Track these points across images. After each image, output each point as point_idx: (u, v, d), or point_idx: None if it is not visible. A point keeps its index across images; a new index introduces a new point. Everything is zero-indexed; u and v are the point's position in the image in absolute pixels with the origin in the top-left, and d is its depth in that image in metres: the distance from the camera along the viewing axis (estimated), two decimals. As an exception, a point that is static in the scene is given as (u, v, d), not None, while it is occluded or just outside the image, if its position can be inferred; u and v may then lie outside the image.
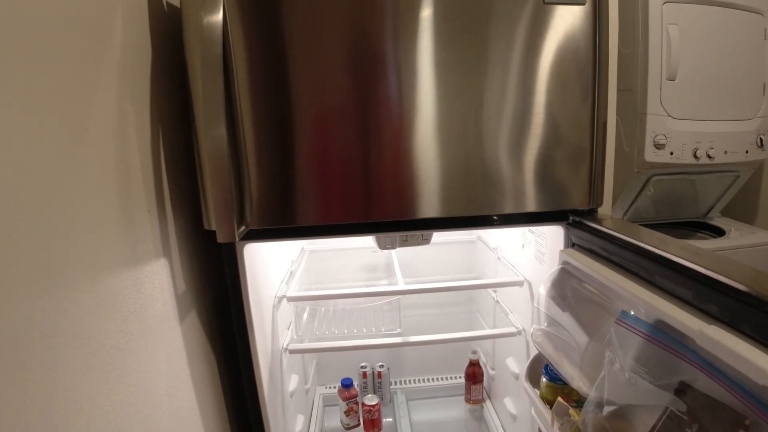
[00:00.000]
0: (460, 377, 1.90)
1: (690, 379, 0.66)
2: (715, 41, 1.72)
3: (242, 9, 0.88)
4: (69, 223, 0.65)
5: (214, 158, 0.83)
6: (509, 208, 1.03)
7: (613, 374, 0.77)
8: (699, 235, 2.05)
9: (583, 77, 0.98)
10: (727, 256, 0.72)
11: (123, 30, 0.82)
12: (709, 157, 1.76)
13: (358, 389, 1.71)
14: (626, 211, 1.96)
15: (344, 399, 1.65)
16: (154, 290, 0.89)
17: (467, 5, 0.92)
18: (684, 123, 1.72)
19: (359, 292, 1.42)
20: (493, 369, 1.80)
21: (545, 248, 1.24)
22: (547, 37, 0.96)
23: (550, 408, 1.03)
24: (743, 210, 2.18)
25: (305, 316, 1.64)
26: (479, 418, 1.80)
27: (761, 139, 1.84)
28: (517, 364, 1.50)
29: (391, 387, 1.88)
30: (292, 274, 1.56)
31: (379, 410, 1.64)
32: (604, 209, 1.08)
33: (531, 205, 1.03)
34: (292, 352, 1.40)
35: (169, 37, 1.00)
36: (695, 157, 1.75)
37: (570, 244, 1.09)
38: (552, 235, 1.17)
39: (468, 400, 1.81)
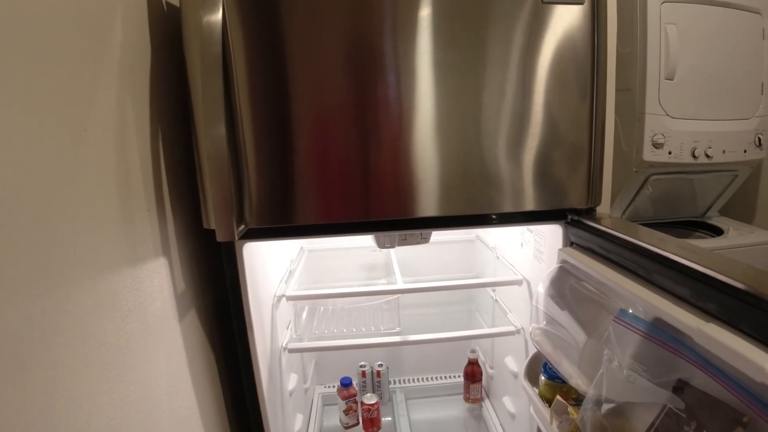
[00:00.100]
0: (459, 376, 1.90)
1: (688, 377, 0.67)
2: (713, 41, 1.72)
3: (241, 9, 0.88)
4: (69, 222, 0.65)
5: (213, 157, 0.83)
6: (508, 207, 1.03)
7: (612, 372, 0.77)
8: (697, 234, 2.05)
9: (581, 77, 0.99)
10: (726, 255, 0.72)
11: (123, 30, 0.82)
12: (707, 156, 1.76)
13: (357, 388, 1.71)
14: (625, 211, 1.96)
15: (343, 398, 1.65)
16: (154, 289, 0.89)
17: (466, 5, 0.93)
18: (682, 122, 1.72)
19: (358, 291, 1.42)
20: (491, 368, 1.81)
21: (544, 247, 1.24)
22: (545, 37, 0.96)
23: (549, 406, 1.03)
24: (741, 209, 2.19)
25: (304, 315, 1.64)
26: (478, 417, 1.81)
27: (759, 139, 1.84)
28: (515, 363, 1.50)
29: (390, 386, 1.88)
30: (291, 273, 1.56)
31: (378, 409, 1.64)
32: (603, 208, 1.09)
33: (530, 204, 1.03)
34: (291, 351, 1.40)
35: (168, 37, 1.00)
36: (693, 156, 1.75)
37: (568, 243, 1.09)
38: (550, 234, 1.18)
39: (467, 399, 1.81)
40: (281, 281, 1.47)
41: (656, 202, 1.99)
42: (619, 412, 0.76)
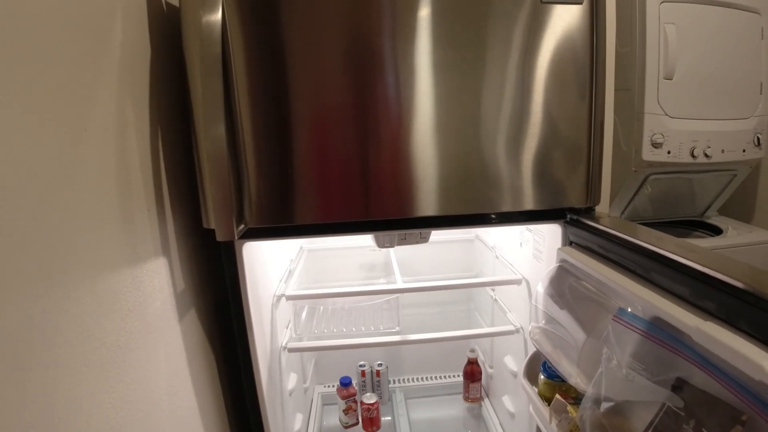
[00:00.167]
0: (458, 376, 1.90)
1: (687, 376, 0.67)
2: (712, 40, 1.72)
3: (241, 9, 0.89)
4: (69, 222, 0.65)
5: (213, 157, 0.83)
6: (507, 207, 1.03)
7: (611, 371, 0.77)
8: (696, 233, 2.05)
9: (580, 76, 0.99)
10: (725, 254, 0.72)
11: (122, 30, 0.82)
12: (706, 156, 1.77)
13: (356, 388, 1.71)
14: (624, 210, 1.96)
15: (343, 397, 1.66)
16: (154, 289, 0.89)
17: (465, 5, 0.93)
18: (681, 122, 1.72)
19: (358, 291, 1.42)
20: (491, 367, 1.81)
21: (543, 246, 1.24)
22: (544, 37, 0.96)
23: (548, 405, 1.03)
24: (740, 209, 2.19)
25: (304, 314, 1.65)
26: (477, 417, 1.81)
27: (758, 138, 1.84)
28: (515, 362, 1.51)
29: (389, 385, 1.89)
30: (290, 272, 1.56)
31: (377, 409, 1.64)
32: (602, 208, 1.09)
33: (529, 204, 1.04)
34: (291, 350, 1.41)
35: (168, 37, 1.01)
36: (692, 156, 1.75)
37: (567, 242, 1.09)
38: (550, 233, 1.18)
39: (466, 399, 1.82)
40: (281, 281, 1.47)
41: (655, 202, 1.99)
42: (619, 410, 0.76)
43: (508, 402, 1.58)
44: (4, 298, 0.52)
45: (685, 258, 0.72)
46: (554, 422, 0.99)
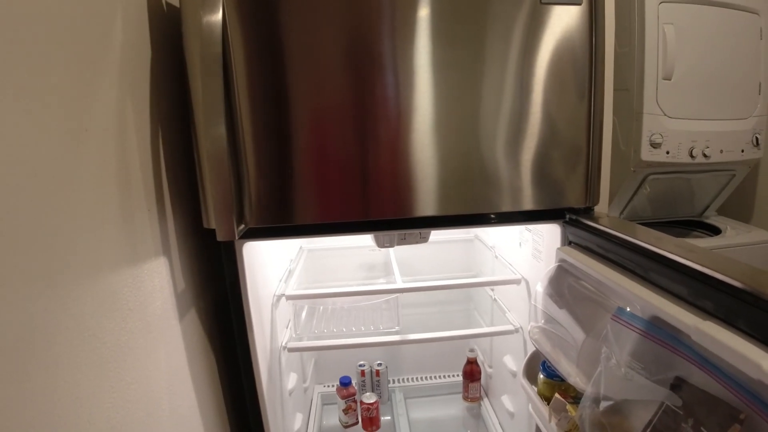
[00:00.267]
0: (457, 375, 1.91)
1: (685, 375, 0.67)
2: (711, 41, 1.73)
3: (241, 9, 0.89)
4: (69, 222, 0.65)
5: (213, 157, 0.84)
6: (506, 207, 1.03)
7: (610, 370, 0.77)
8: (695, 233, 2.05)
9: (579, 76, 0.99)
10: (723, 254, 0.72)
11: (123, 30, 0.83)
12: (705, 156, 1.77)
13: (356, 387, 1.72)
14: (623, 210, 1.97)
15: (343, 397, 1.66)
16: (154, 289, 0.89)
17: (465, 5, 0.93)
18: (680, 122, 1.73)
19: (357, 291, 1.43)
20: (490, 367, 1.81)
21: (542, 246, 1.24)
22: (544, 37, 0.96)
23: (548, 404, 1.04)
24: (739, 209, 2.19)
25: (304, 314, 1.65)
26: (477, 416, 1.81)
27: (757, 138, 1.85)
28: (514, 362, 1.51)
29: (389, 385, 1.89)
30: (290, 272, 1.56)
31: (377, 408, 1.65)
32: (601, 208, 1.09)
33: (528, 204, 1.04)
34: (290, 350, 1.41)
35: (168, 37, 1.01)
36: (691, 156, 1.76)
37: (567, 242, 1.10)
38: (549, 233, 1.18)
39: (466, 398, 1.82)
40: (281, 281, 1.47)
41: (654, 202, 2.00)
42: (617, 409, 0.76)
43: (507, 401, 1.58)
44: (5, 298, 0.53)
45: (683, 258, 0.72)
46: (553, 421, 1.00)
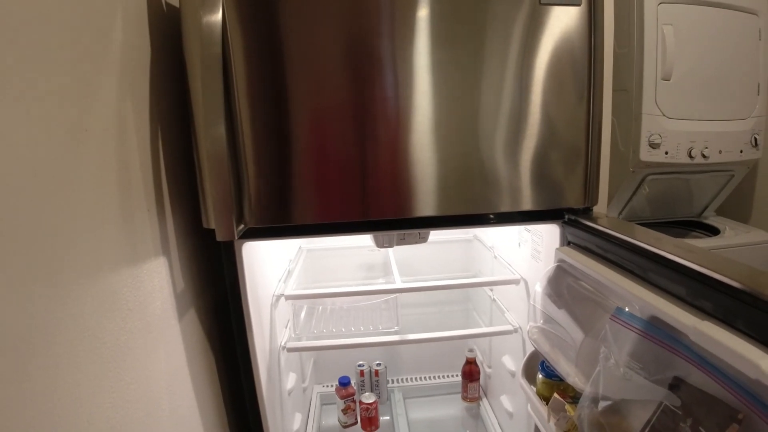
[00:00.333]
0: (456, 375, 1.91)
1: (684, 375, 0.67)
2: (710, 41, 1.73)
3: (241, 9, 0.89)
4: (69, 222, 0.65)
5: (213, 157, 0.84)
6: (505, 207, 1.04)
7: (608, 370, 0.78)
8: (694, 234, 2.06)
9: (578, 77, 0.99)
10: (722, 254, 0.73)
11: (123, 30, 0.83)
12: (703, 156, 1.77)
13: (355, 387, 1.72)
14: (622, 211, 1.97)
15: (342, 397, 1.66)
16: (154, 289, 0.89)
17: (464, 5, 0.93)
18: (679, 123, 1.73)
19: (356, 291, 1.43)
20: (489, 367, 1.81)
21: (541, 246, 1.25)
22: (543, 38, 0.96)
23: (547, 404, 1.04)
24: (738, 209, 2.20)
25: (303, 314, 1.65)
26: (476, 416, 1.81)
27: (756, 139, 1.85)
28: (513, 362, 1.51)
29: (388, 385, 1.89)
30: (289, 272, 1.56)
31: (376, 408, 1.65)
32: (599, 208, 1.09)
33: (527, 204, 1.04)
34: (290, 350, 1.41)
35: (168, 37, 1.01)
36: (690, 156, 1.76)
37: (566, 242, 1.10)
38: (548, 233, 1.18)
39: (465, 398, 1.82)
40: (280, 281, 1.47)
41: (653, 202, 2.00)
42: (616, 409, 0.76)
43: (506, 401, 1.58)
44: (5, 298, 0.53)
45: (682, 258, 0.72)
46: (552, 421, 1.00)
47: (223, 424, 1.22)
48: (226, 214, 0.86)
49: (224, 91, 0.84)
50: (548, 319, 1.06)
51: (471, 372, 1.77)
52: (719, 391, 0.61)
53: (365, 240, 1.49)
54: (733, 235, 1.91)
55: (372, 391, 1.78)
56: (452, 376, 2.00)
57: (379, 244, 1.28)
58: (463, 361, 1.78)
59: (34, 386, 0.56)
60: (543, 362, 1.09)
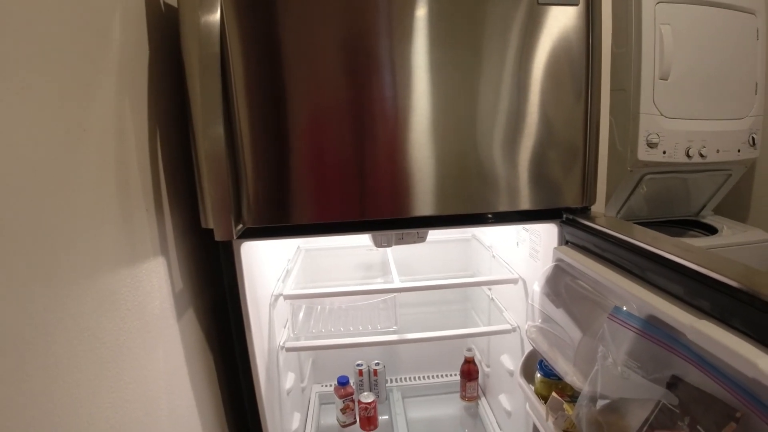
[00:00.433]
0: (455, 374, 1.91)
1: (682, 373, 0.67)
2: (708, 41, 1.73)
3: (239, 9, 0.89)
4: (69, 221, 0.65)
5: (211, 157, 0.84)
6: (503, 207, 1.04)
7: (606, 369, 0.78)
8: (691, 233, 2.06)
9: (576, 77, 0.99)
10: (720, 253, 0.73)
11: (121, 30, 0.83)
12: (701, 156, 1.78)
13: (354, 387, 1.72)
14: (619, 210, 1.97)
15: (340, 397, 1.66)
16: (152, 288, 0.89)
17: (462, 5, 0.93)
18: (677, 122, 1.73)
19: (355, 290, 1.43)
20: (488, 366, 1.82)
21: (539, 246, 1.25)
22: (541, 38, 0.97)
23: (545, 403, 1.04)
24: (736, 208, 2.20)
25: (301, 314, 1.65)
26: (474, 415, 1.82)
27: (753, 138, 1.86)
28: (511, 361, 1.51)
29: (387, 384, 1.89)
30: (288, 272, 1.56)
31: (375, 408, 1.65)
32: (598, 207, 1.10)
33: (525, 203, 1.04)
34: (288, 350, 1.41)
35: (166, 37, 1.01)
36: (688, 156, 1.76)
37: (564, 241, 1.10)
38: (546, 232, 1.19)
39: (463, 397, 1.82)
40: (278, 280, 1.47)
41: (651, 201, 2.00)
42: (614, 408, 0.77)
43: (504, 400, 1.58)
44: (5, 298, 0.53)
45: (680, 257, 0.73)
46: (551, 420, 1.00)
47: (222, 424, 1.22)
48: (225, 214, 0.86)
49: (222, 90, 0.84)
50: (546, 318, 1.06)
51: (469, 371, 1.78)
52: (717, 390, 0.61)
53: (364, 240, 1.49)
54: (730, 235, 1.92)
55: (371, 391, 1.78)
56: (451, 375, 2.00)
57: (378, 244, 1.29)
58: (462, 360, 1.78)
59: (33, 386, 0.56)
60: (541, 361, 1.09)
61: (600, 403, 0.78)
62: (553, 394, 1.01)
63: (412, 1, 0.92)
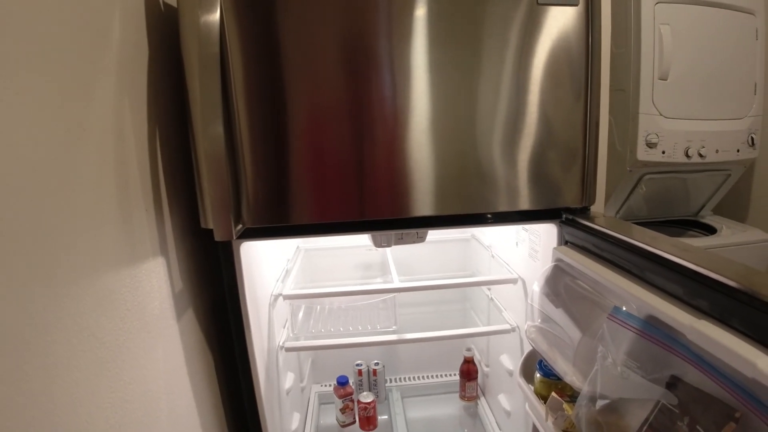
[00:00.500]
0: (454, 374, 1.91)
1: (681, 373, 0.67)
2: (707, 41, 1.74)
3: (238, 8, 0.89)
4: (68, 221, 0.65)
5: (211, 157, 0.84)
6: (503, 207, 1.04)
7: (606, 369, 0.78)
8: (691, 233, 2.06)
9: (575, 77, 1.00)
10: (719, 253, 0.73)
11: (121, 29, 0.83)
12: (700, 156, 1.78)
13: (353, 387, 1.72)
14: (619, 210, 1.98)
15: (340, 396, 1.66)
16: (152, 288, 0.89)
17: (462, 5, 0.93)
18: (676, 122, 1.74)
19: (354, 290, 1.43)
20: (487, 366, 1.82)
21: (539, 246, 1.25)
22: (540, 38, 0.97)
23: (545, 403, 1.04)
24: (735, 208, 2.20)
25: (301, 314, 1.65)
26: (474, 415, 1.82)
27: (752, 138, 1.86)
28: (511, 361, 1.51)
29: (386, 384, 1.89)
30: (287, 272, 1.56)
31: (374, 407, 1.65)
32: (597, 207, 1.10)
33: (524, 204, 1.04)
34: (288, 350, 1.41)
35: (166, 36, 1.01)
36: (687, 156, 1.76)
37: (563, 241, 1.10)
38: (545, 232, 1.19)
39: (463, 397, 1.82)
40: (278, 280, 1.47)
41: (650, 201, 2.01)
42: (614, 408, 0.77)
43: (504, 400, 1.58)
44: (5, 297, 0.53)
45: (679, 257, 0.73)
46: (550, 420, 1.00)
47: (222, 424, 1.22)
48: (224, 214, 0.86)
49: (222, 90, 0.84)
50: (546, 318, 1.07)
51: (469, 371, 1.78)
52: (716, 390, 0.61)
53: (363, 239, 1.49)
54: (729, 234, 1.92)
55: (370, 391, 1.79)
56: (450, 375, 2.00)
57: (377, 244, 1.29)
58: (461, 360, 1.78)
59: (33, 386, 0.56)
60: (541, 361, 1.10)
61: (599, 403, 0.78)
62: (553, 394, 1.01)
63: (412, 0, 0.92)
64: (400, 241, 1.26)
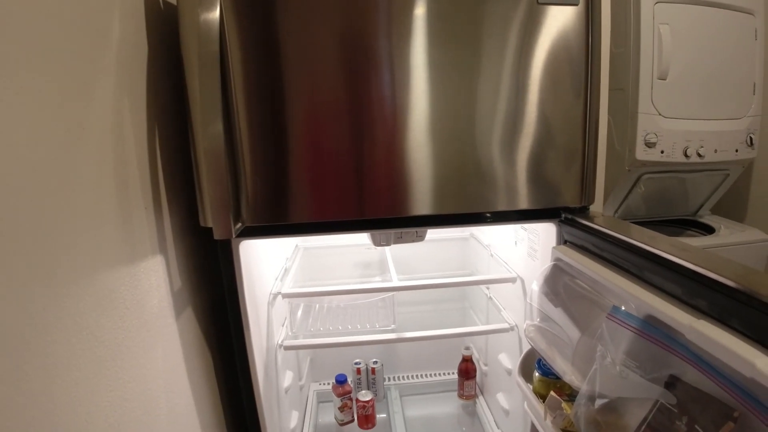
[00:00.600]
0: (453, 373, 1.91)
1: (680, 373, 0.68)
2: (706, 41, 1.74)
3: (238, 7, 0.89)
4: (68, 221, 0.65)
5: (210, 155, 0.84)
6: (502, 206, 1.04)
7: (605, 368, 0.78)
8: (689, 232, 2.07)
9: (575, 76, 1.00)
10: (717, 253, 0.73)
11: (120, 28, 0.82)
12: (699, 155, 1.78)
13: (352, 385, 1.72)
14: (617, 209, 1.98)
15: (338, 395, 1.66)
16: (151, 287, 0.89)
17: (462, 5, 0.93)
18: (675, 122, 1.74)
19: (353, 289, 1.43)
20: (485, 365, 1.82)
21: (538, 245, 1.25)
22: (540, 37, 0.97)
23: (543, 402, 1.04)
24: (733, 208, 2.21)
25: (299, 312, 1.65)
26: (472, 414, 1.82)
27: (751, 138, 1.86)
28: (509, 360, 1.51)
29: (384, 383, 1.90)
30: (286, 271, 1.56)
31: (373, 406, 1.65)
32: (596, 207, 1.10)
33: (523, 203, 1.04)
34: (286, 348, 1.41)
35: (165, 35, 1.00)
36: (686, 155, 1.77)
37: (562, 241, 1.10)
38: (544, 232, 1.19)
39: (461, 396, 1.83)
40: (277, 279, 1.47)
41: (649, 201, 2.01)
42: (612, 407, 0.77)
43: (502, 399, 1.59)
44: (4, 297, 0.53)
45: (677, 257, 0.73)
46: (549, 419, 1.00)
47: (221, 422, 1.22)
48: (224, 213, 0.86)
49: (222, 89, 0.84)
50: (545, 317, 1.07)
51: (467, 370, 1.78)
52: (715, 390, 0.62)
53: (362, 238, 1.50)
54: (728, 234, 1.92)
55: (369, 389, 1.79)
56: (449, 373, 2.00)
57: (377, 243, 1.29)
58: (460, 358, 1.79)
59: (32, 385, 0.56)
60: (539, 360, 1.10)
61: (598, 402, 0.79)
62: (552, 393, 1.02)
63: (412, 0, 0.92)
64: (399, 240, 1.26)
